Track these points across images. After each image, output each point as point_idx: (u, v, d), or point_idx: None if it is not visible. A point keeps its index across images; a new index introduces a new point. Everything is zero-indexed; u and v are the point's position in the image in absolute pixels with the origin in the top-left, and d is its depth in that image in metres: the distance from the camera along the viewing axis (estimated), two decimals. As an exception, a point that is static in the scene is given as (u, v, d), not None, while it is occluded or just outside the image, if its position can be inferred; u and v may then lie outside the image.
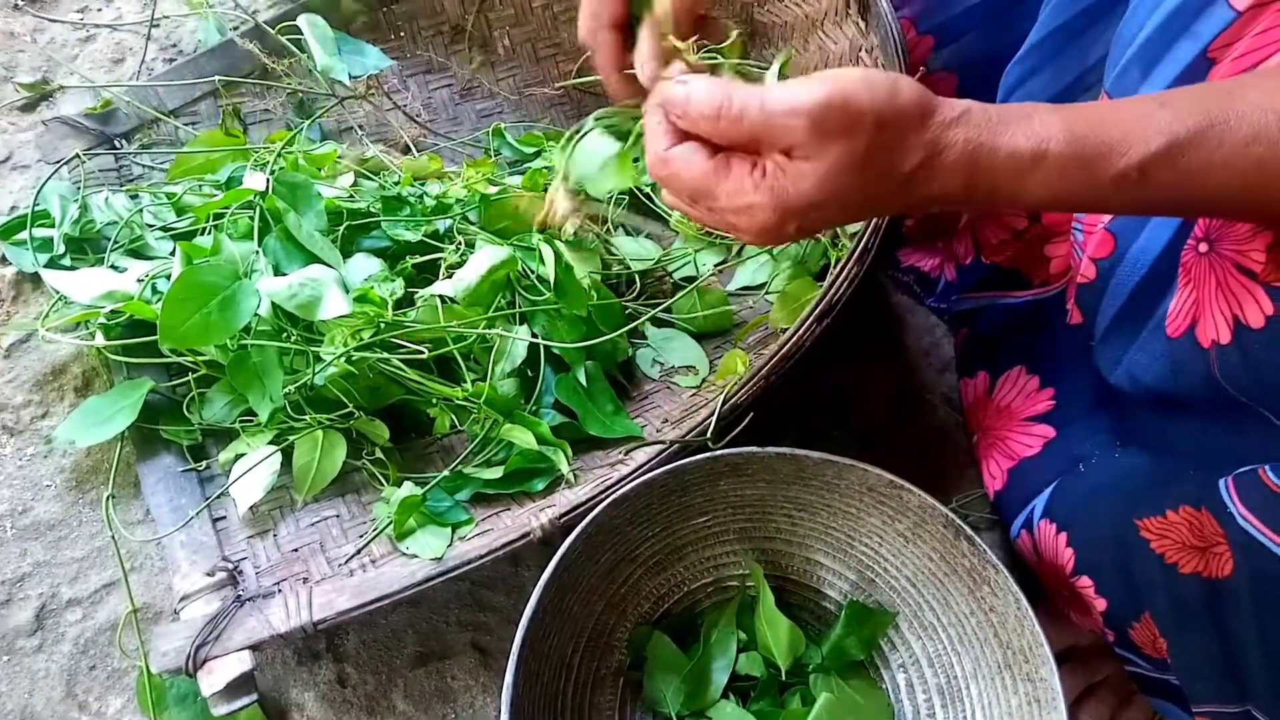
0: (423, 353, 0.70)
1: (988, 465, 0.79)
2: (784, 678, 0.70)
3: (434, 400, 0.74)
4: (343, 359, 0.70)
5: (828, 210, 0.47)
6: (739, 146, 0.48)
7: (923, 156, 0.45)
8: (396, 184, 0.86)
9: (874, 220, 0.67)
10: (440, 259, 0.78)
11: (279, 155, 0.81)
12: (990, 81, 0.72)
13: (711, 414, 0.68)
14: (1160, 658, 0.63)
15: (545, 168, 0.89)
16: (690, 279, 0.86)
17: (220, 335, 0.68)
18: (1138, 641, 0.65)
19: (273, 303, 0.70)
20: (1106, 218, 0.61)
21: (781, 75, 0.56)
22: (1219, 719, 0.59)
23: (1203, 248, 0.53)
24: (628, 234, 0.92)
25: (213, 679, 0.61)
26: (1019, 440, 0.76)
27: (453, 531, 0.68)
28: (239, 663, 0.62)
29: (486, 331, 0.73)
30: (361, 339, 0.70)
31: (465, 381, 0.72)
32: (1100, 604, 0.65)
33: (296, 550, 0.72)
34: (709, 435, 0.67)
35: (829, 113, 0.44)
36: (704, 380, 0.80)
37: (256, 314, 0.70)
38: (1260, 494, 0.50)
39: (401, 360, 0.71)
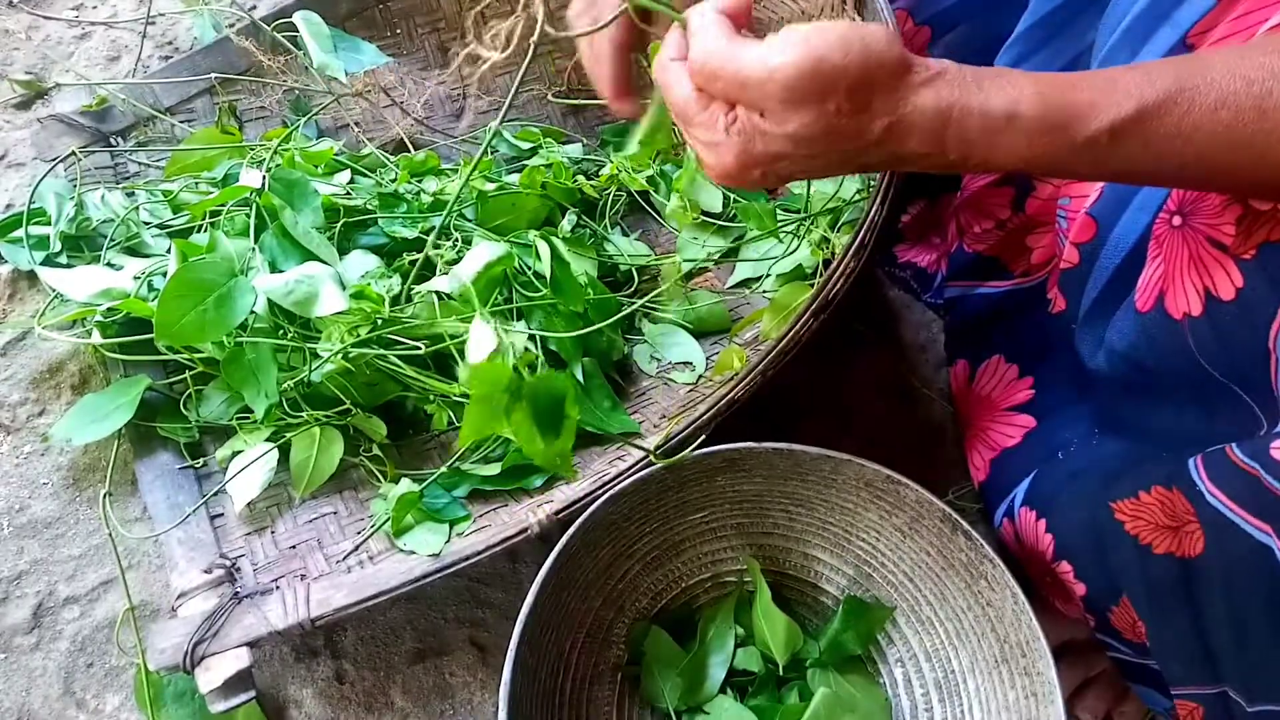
0: (419, 349, 0.70)
1: (971, 457, 0.80)
2: (782, 673, 0.70)
3: (431, 396, 0.74)
4: (339, 356, 0.70)
5: (794, 162, 0.48)
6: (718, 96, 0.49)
7: (894, 118, 0.45)
8: (393, 181, 0.86)
9: (870, 218, 0.67)
10: (437, 256, 0.78)
11: (275, 152, 0.81)
12: None
13: (707, 411, 0.68)
14: (1140, 642, 0.63)
15: (543, 165, 0.89)
16: (688, 277, 0.86)
17: (216, 332, 0.68)
18: (1118, 626, 0.65)
19: (269, 300, 0.70)
20: (1088, 202, 0.62)
21: None
22: (1197, 701, 0.59)
23: (1176, 220, 0.53)
24: (625, 234, 0.92)
25: (210, 676, 0.61)
26: (999, 431, 0.77)
27: (450, 528, 0.68)
28: (236, 660, 0.62)
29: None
30: (358, 336, 0.70)
31: (460, 380, 0.72)
32: (1080, 589, 0.66)
33: (294, 547, 0.72)
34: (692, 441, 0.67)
35: (800, 80, 0.44)
36: (701, 376, 0.80)
37: (253, 311, 0.69)
38: (1228, 472, 0.50)
39: (398, 357, 0.71)
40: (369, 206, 0.81)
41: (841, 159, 0.48)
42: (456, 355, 0.71)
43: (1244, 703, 0.55)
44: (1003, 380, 0.78)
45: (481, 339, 0.63)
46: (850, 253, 0.67)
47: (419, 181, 0.87)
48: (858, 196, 0.83)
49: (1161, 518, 0.56)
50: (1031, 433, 0.75)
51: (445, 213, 0.78)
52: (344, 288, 0.73)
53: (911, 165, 0.48)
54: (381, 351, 0.71)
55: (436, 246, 0.77)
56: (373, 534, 0.69)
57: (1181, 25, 0.52)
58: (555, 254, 0.74)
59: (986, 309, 0.80)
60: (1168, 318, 0.54)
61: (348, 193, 0.83)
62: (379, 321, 0.71)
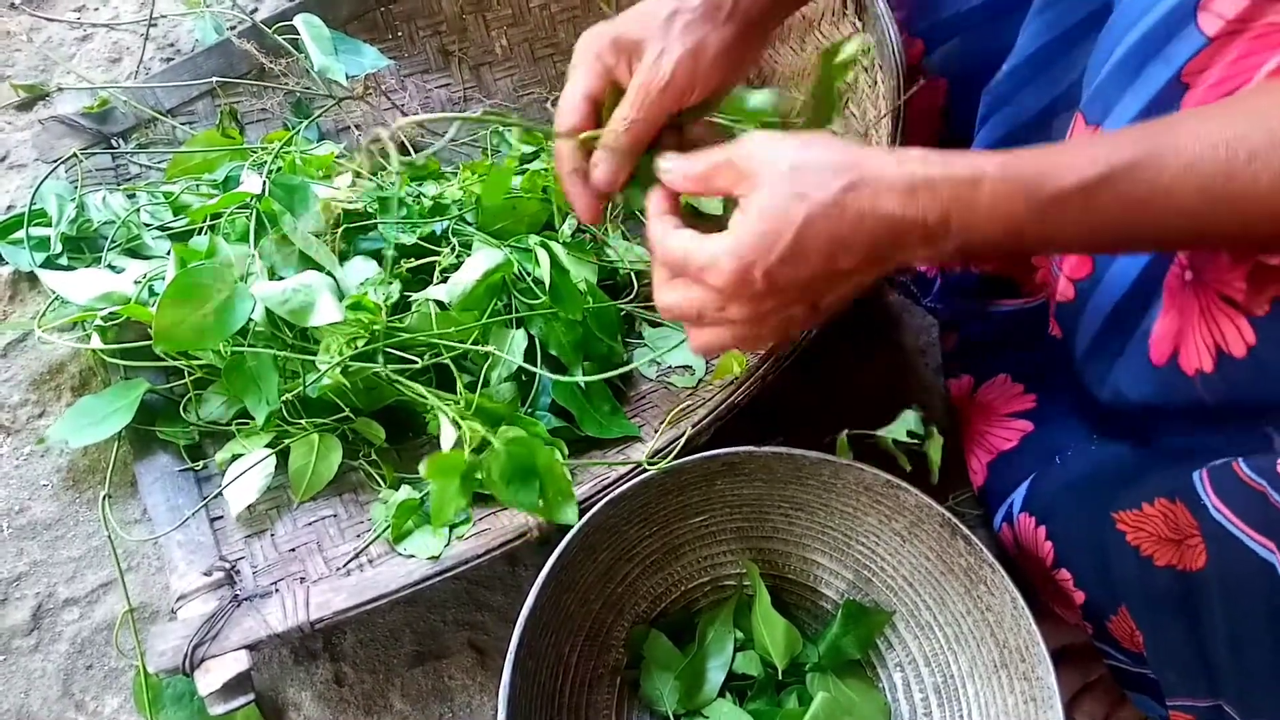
0: (416, 362, 0.70)
1: (970, 460, 0.80)
2: (781, 677, 0.70)
3: (429, 406, 0.74)
4: (337, 369, 0.70)
5: (778, 243, 0.48)
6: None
7: (853, 175, 0.47)
8: (394, 184, 0.86)
9: None
10: (436, 261, 0.78)
11: (276, 156, 0.81)
12: (980, 88, 0.72)
13: (707, 415, 0.68)
14: (1138, 651, 0.63)
15: (544, 169, 0.89)
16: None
17: (215, 339, 0.68)
18: (1116, 635, 0.65)
19: (266, 307, 0.70)
20: None
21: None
22: (1191, 713, 0.59)
23: (1188, 275, 0.53)
24: (625, 238, 0.92)
25: (210, 679, 0.61)
26: (997, 434, 0.77)
27: (450, 531, 0.68)
28: (236, 662, 0.62)
29: (480, 348, 0.73)
30: (356, 347, 0.70)
31: (459, 389, 0.72)
32: (1079, 596, 0.66)
33: (294, 550, 0.72)
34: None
35: (759, 143, 0.51)
36: (701, 380, 0.80)
37: (250, 318, 0.69)
38: (1234, 487, 0.50)
39: (396, 370, 0.71)
40: (369, 210, 0.81)
41: (815, 236, 0.48)
42: (453, 366, 0.71)
43: (1239, 717, 0.55)
44: (1005, 394, 0.78)
45: (447, 432, 0.67)
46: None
47: (419, 185, 0.87)
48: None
49: (1164, 530, 0.56)
50: (1029, 436, 0.75)
51: (449, 218, 0.78)
52: (343, 296, 0.72)
53: (904, 241, 0.48)
54: (378, 367, 0.70)
55: (436, 252, 0.77)
56: (373, 541, 0.69)
57: (1174, 62, 0.52)
58: (555, 261, 0.74)
59: (994, 328, 0.80)
60: (1180, 373, 0.54)
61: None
62: (376, 333, 0.71)
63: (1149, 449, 0.64)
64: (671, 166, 0.56)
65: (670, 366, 0.83)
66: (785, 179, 0.48)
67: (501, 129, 0.97)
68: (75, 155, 0.88)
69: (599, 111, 0.60)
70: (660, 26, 0.58)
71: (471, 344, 0.72)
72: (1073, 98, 0.63)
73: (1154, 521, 0.56)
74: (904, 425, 0.69)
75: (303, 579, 0.69)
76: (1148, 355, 0.57)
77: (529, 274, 0.76)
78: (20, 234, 0.83)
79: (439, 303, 0.74)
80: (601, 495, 0.64)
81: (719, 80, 0.60)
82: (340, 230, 0.78)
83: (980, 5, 0.74)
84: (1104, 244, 0.54)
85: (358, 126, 0.97)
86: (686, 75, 0.58)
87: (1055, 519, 0.67)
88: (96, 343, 0.76)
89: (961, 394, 0.83)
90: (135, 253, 0.83)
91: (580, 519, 0.63)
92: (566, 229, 0.85)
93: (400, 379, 0.71)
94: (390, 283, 0.75)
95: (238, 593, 0.67)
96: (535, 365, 0.74)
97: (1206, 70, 0.50)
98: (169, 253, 0.79)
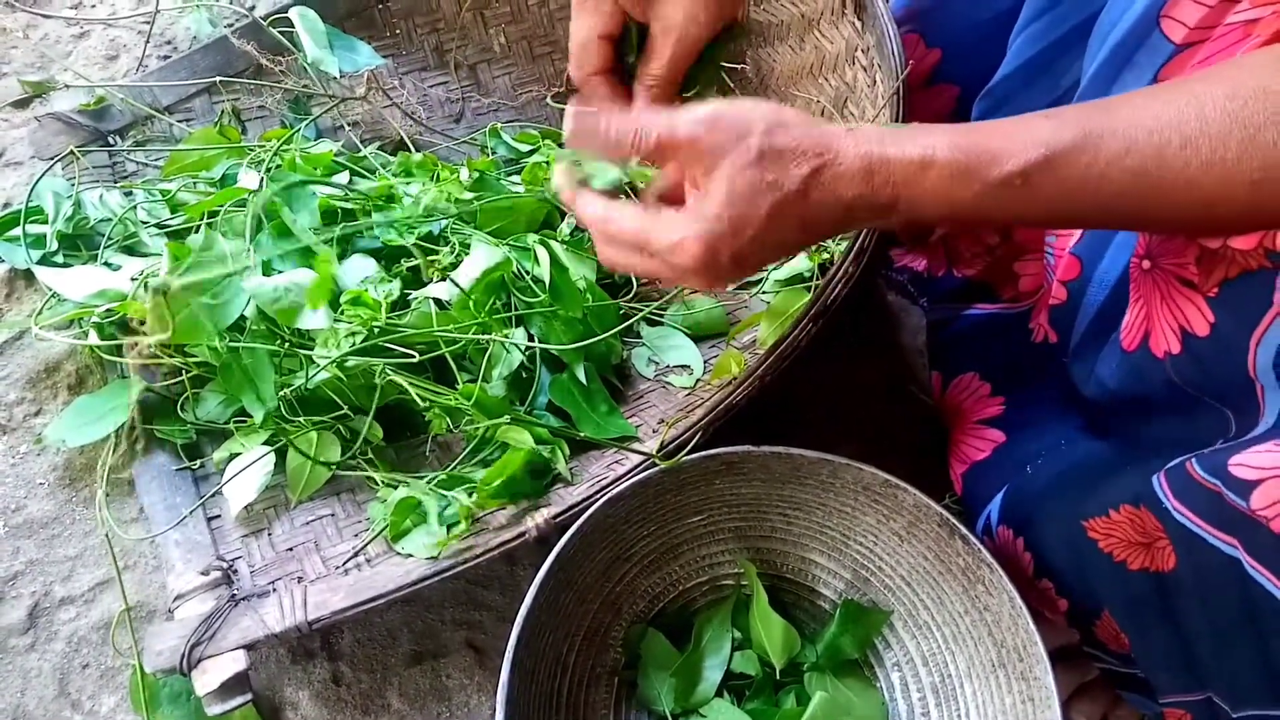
0: (414, 357, 0.70)
1: (950, 468, 0.80)
2: (779, 676, 0.70)
3: (428, 403, 0.74)
4: (335, 365, 0.69)
5: (747, 229, 0.49)
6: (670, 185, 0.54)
7: (817, 163, 0.48)
8: (389, 179, 0.85)
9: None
10: (435, 260, 0.78)
11: (275, 154, 0.81)
12: None
13: (706, 415, 0.68)
14: (1125, 652, 0.64)
15: (543, 163, 0.89)
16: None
17: (209, 332, 0.67)
18: (1102, 638, 0.66)
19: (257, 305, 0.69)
20: (1072, 241, 0.64)
21: None
22: (1185, 708, 0.60)
23: (1145, 264, 0.55)
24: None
25: (207, 678, 0.61)
26: (970, 444, 0.78)
27: (448, 531, 0.68)
28: (233, 662, 0.62)
29: (480, 338, 0.72)
30: (354, 343, 0.69)
31: (458, 385, 0.72)
32: (1062, 604, 0.67)
33: (291, 549, 0.71)
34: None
35: (718, 117, 0.49)
36: (699, 380, 0.80)
37: (243, 315, 0.69)
38: (1190, 488, 0.51)
39: (395, 365, 0.71)
40: (366, 209, 0.81)
41: (778, 212, 0.49)
42: (452, 362, 0.71)
43: (1229, 709, 0.55)
44: (974, 394, 0.79)
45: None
46: (849, 258, 0.67)
47: (406, 182, 0.86)
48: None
49: (1133, 534, 0.57)
50: (1000, 447, 0.75)
51: (444, 218, 0.77)
52: (340, 292, 0.72)
53: (857, 216, 0.49)
54: (377, 362, 0.70)
55: (434, 253, 0.77)
56: (371, 541, 0.69)
57: (1147, 70, 0.54)
58: (554, 259, 0.74)
59: (968, 328, 0.81)
60: (1151, 356, 0.56)
61: (345, 196, 0.83)
62: (375, 329, 0.70)
63: (1117, 449, 0.65)
64: (595, 125, 0.53)
65: (668, 366, 0.83)
66: (756, 164, 0.48)
67: (500, 127, 0.97)
68: (72, 152, 0.87)
69: (616, 51, 0.60)
70: None
71: (471, 338, 0.72)
72: (1069, 101, 0.64)
73: (1122, 527, 0.57)
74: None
75: (300, 578, 0.68)
76: (1120, 343, 0.58)
77: (528, 272, 0.76)
78: (17, 231, 0.83)
79: (438, 301, 0.74)
80: (599, 495, 0.64)
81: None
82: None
83: (992, 17, 0.74)
84: (1045, 221, 0.57)
85: (356, 124, 0.97)
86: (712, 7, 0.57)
87: (1031, 529, 0.67)
88: (94, 339, 0.75)
89: (937, 393, 0.84)
90: (132, 250, 0.83)
91: (578, 519, 0.63)
92: (565, 228, 0.85)
93: (398, 374, 0.71)
94: (390, 281, 0.75)
95: (235, 592, 0.66)
96: (534, 364, 0.74)
97: (1181, 75, 0.52)
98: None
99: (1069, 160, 0.45)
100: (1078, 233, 0.64)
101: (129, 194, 0.87)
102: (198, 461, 0.77)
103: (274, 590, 0.67)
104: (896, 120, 0.72)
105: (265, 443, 0.74)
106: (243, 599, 0.66)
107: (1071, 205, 0.47)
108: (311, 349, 0.71)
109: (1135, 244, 0.57)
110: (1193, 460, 0.50)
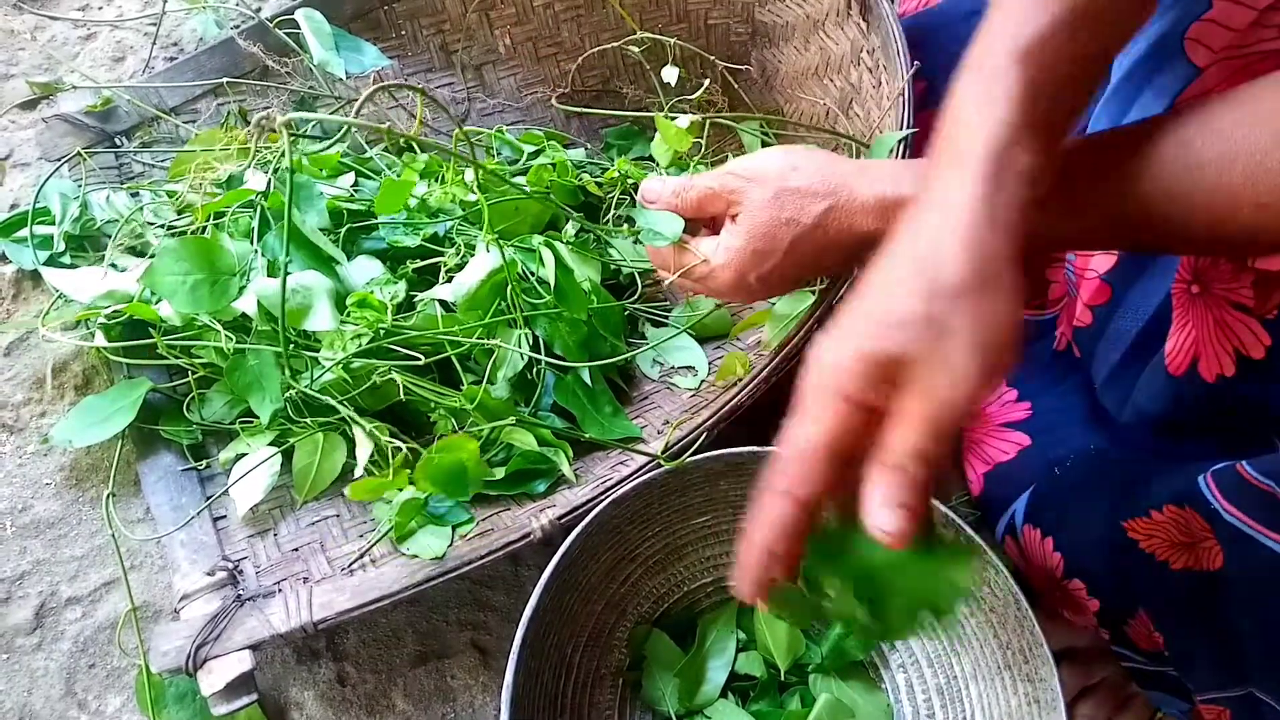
0: (419, 359, 0.70)
1: (966, 469, 0.80)
2: (784, 678, 0.70)
3: (433, 404, 0.74)
4: (340, 366, 0.69)
5: (769, 258, 0.59)
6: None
7: (831, 201, 0.56)
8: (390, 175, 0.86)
9: None
10: (441, 261, 0.78)
11: (283, 155, 0.81)
12: None
13: (711, 416, 0.68)
14: (1156, 650, 0.63)
15: (548, 164, 0.89)
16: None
17: (206, 305, 0.67)
18: (1133, 637, 0.65)
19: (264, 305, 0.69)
20: (1105, 267, 0.64)
21: None
22: (1223, 704, 0.59)
23: (1195, 289, 0.55)
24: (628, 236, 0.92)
25: (213, 679, 0.61)
26: (994, 445, 0.77)
27: (453, 532, 0.68)
28: (239, 662, 0.62)
29: (486, 343, 0.72)
30: (360, 345, 0.69)
31: (463, 386, 0.72)
32: (1093, 604, 0.66)
33: (297, 550, 0.72)
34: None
35: (741, 168, 0.61)
36: (703, 381, 0.80)
37: (244, 314, 0.69)
38: (1240, 489, 0.51)
39: (400, 368, 0.71)
40: (372, 211, 0.81)
41: (799, 244, 0.58)
42: (458, 364, 0.71)
43: (1274, 702, 0.55)
44: (999, 400, 0.79)
45: (363, 451, 0.71)
46: (854, 259, 0.67)
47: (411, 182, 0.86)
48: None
49: (1176, 535, 0.56)
50: (1026, 450, 0.75)
51: (451, 219, 0.77)
52: (346, 294, 0.72)
53: (877, 245, 0.47)
54: (383, 364, 0.70)
55: (440, 254, 0.77)
56: (377, 542, 0.69)
57: (1166, 92, 0.55)
58: (559, 261, 0.74)
59: None
60: (1201, 380, 0.56)
61: (351, 197, 0.83)
62: (381, 331, 0.70)
63: (1151, 456, 0.64)
64: (659, 190, 0.67)
65: (673, 367, 0.83)
66: (772, 204, 0.58)
67: (504, 129, 0.97)
68: (79, 154, 0.88)
69: (841, 466, 0.43)
70: (927, 326, 0.41)
71: (476, 341, 0.72)
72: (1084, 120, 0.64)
73: (1165, 528, 0.57)
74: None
75: (306, 579, 0.68)
76: (1165, 368, 0.58)
77: (533, 274, 0.76)
78: (24, 232, 0.83)
79: (443, 303, 0.74)
80: (604, 496, 0.64)
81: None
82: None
83: None
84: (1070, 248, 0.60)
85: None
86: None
87: (1063, 530, 0.67)
88: (101, 341, 0.76)
89: None
90: (138, 251, 0.83)
91: (583, 520, 0.63)
92: (570, 229, 0.85)
93: (403, 374, 0.71)
94: (395, 282, 0.75)
95: (241, 592, 0.67)
96: (538, 366, 0.74)
97: (1203, 98, 0.52)
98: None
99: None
100: (1106, 257, 0.64)
101: (135, 195, 0.88)
102: (204, 462, 0.77)
103: (279, 591, 0.67)
104: (902, 126, 0.71)
105: (271, 443, 0.74)
106: (248, 599, 0.66)
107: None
108: (316, 349, 0.71)
109: (1176, 269, 0.57)
110: (1243, 463, 0.51)
